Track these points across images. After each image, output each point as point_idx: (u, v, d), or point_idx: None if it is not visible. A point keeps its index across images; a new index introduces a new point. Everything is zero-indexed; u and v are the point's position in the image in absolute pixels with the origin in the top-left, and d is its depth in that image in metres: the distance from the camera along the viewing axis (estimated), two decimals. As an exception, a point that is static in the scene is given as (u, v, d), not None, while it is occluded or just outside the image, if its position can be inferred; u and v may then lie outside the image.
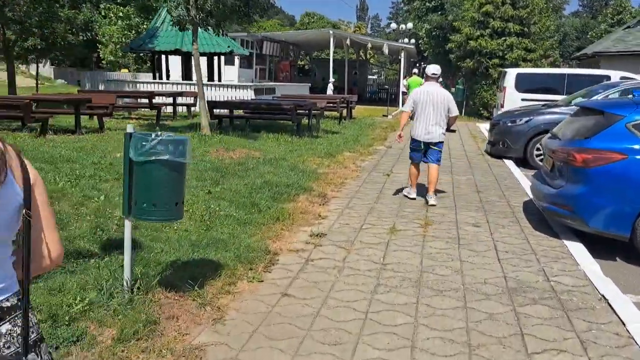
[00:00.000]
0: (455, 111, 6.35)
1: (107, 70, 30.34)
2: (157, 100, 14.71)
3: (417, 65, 47.88)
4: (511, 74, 14.05)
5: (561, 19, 51.68)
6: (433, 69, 6.45)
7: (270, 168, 7.93)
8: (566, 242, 4.93)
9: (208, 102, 11.48)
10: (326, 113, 16.42)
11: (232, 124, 12.42)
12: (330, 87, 22.26)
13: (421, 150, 6.41)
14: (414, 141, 6.46)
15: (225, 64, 23.36)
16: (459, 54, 19.84)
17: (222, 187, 6.48)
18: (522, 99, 13.73)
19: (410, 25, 27.99)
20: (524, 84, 14.01)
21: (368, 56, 36.59)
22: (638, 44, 24.83)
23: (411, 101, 6.42)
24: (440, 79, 7.97)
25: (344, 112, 16.26)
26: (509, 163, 9.59)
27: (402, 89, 21.96)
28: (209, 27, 9.98)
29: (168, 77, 20.46)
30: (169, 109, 15.20)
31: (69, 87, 32.89)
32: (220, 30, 10.10)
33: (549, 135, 5.79)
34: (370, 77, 44.06)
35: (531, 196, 6.72)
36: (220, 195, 6.01)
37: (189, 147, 3.24)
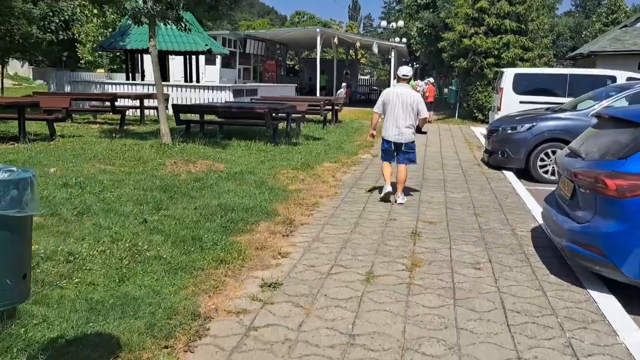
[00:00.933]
0: (424, 113, 6.47)
1: (85, 71, 29.06)
2: (123, 102, 13.52)
3: (410, 65, 46.93)
4: (509, 74, 12.97)
5: (554, 19, 50.87)
6: (404, 70, 6.56)
7: (232, 185, 6.76)
8: (593, 294, 3.79)
9: (173, 105, 10.29)
10: (311, 117, 15.28)
11: (202, 130, 11.23)
12: (343, 89, 21.35)
13: (392, 150, 6.47)
14: (384, 142, 6.52)
15: (206, 63, 22.19)
16: (451, 53, 18.71)
17: (164, 213, 5.29)
18: (521, 102, 12.65)
19: (400, 23, 26.84)
20: (523, 85, 12.94)
21: (359, 56, 35.50)
22: (635, 43, 24.04)
23: (381, 102, 6.51)
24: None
25: (329, 115, 15.10)
26: (510, 175, 8.47)
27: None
28: (168, 22, 8.78)
29: (143, 77, 19.25)
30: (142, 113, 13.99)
31: (47, 88, 31.50)
32: (182, 25, 8.90)
33: (566, 151, 4.65)
34: (362, 77, 43.02)
35: (540, 221, 5.60)
36: (157, 226, 4.82)
37: (33, 191, 2.05)
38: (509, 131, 8.71)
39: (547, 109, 9.76)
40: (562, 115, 8.65)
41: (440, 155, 10.72)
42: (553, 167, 8.35)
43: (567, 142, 8.44)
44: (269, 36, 25.72)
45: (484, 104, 17.44)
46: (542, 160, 8.38)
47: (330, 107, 15.01)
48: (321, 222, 5.54)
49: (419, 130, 6.68)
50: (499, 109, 12.94)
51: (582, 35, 51.26)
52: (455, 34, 17.90)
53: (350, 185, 7.49)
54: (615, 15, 46.77)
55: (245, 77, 25.16)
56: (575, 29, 57.15)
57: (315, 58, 37.89)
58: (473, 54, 17.23)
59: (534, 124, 8.50)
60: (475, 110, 17.91)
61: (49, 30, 33.54)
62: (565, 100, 12.28)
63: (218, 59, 21.84)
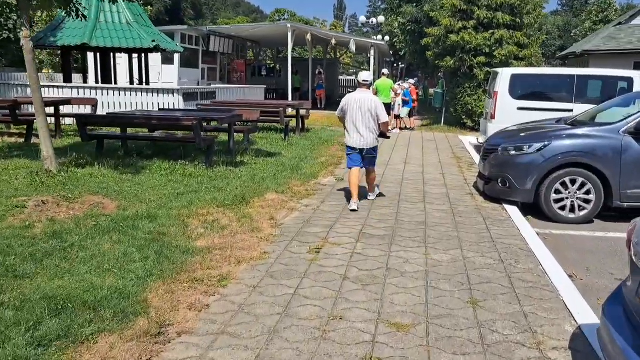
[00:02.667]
0: (384, 118, 6.40)
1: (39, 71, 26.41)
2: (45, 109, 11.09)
3: (395, 65, 44.60)
4: (504, 75, 10.80)
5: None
6: (364, 75, 6.51)
7: (107, 243, 4.49)
8: None
9: (78, 115, 7.96)
10: (276, 125, 13.01)
11: (124, 146, 8.87)
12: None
13: (358, 156, 6.40)
14: (348, 148, 6.50)
15: (163, 62, 19.80)
16: (437, 51, 16.51)
17: None
18: (519, 108, 10.55)
19: (381, 18, 24.61)
20: (521, 88, 10.81)
21: (338, 55, 33.25)
22: (630, 42, 22.38)
23: (341, 107, 6.50)
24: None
25: (293, 122, 12.83)
26: (514, 213, 6.27)
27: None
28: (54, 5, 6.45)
29: (85, 79, 16.84)
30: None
31: None
32: (73, 10, 6.58)
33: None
34: (348, 77, 40.83)
35: (579, 319, 3.42)
36: None
37: None
38: (513, 152, 6.50)
39: (559, 120, 7.61)
40: (581, 131, 6.47)
41: (423, 177, 8.50)
42: (572, 201, 6.18)
43: (591, 169, 6.33)
44: (235, 32, 23.29)
45: (473, 109, 15.28)
46: (557, 192, 6.19)
47: (295, 113, 12.77)
48: (215, 329, 3.27)
49: (382, 135, 6.98)
50: (492, 117, 10.80)
51: (572, 35, 49.67)
52: (440, 29, 15.70)
53: (291, 235, 5.22)
54: (605, 14, 45.42)
55: (210, 78, 22.77)
56: (564, 28, 55.55)
57: (294, 57, 35.62)
58: (461, 52, 15.05)
59: (546, 143, 6.30)
60: (463, 116, 15.73)
61: (6, 28, 30.85)
62: (572, 106, 10.24)
63: (176, 58, 19.45)
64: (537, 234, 5.55)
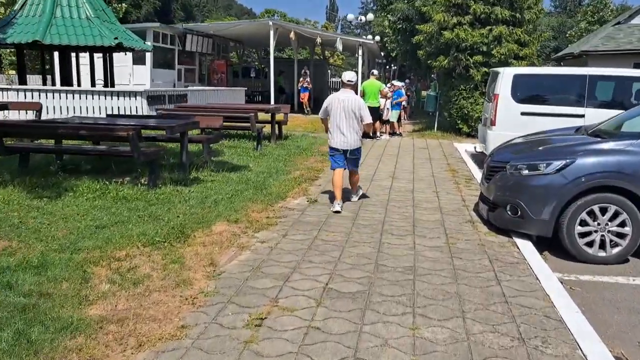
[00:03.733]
0: (367, 118, 6.33)
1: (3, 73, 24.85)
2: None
3: (387, 67, 43.27)
4: (506, 75, 9.45)
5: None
6: (348, 76, 6.42)
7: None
8: None
9: (-9, 125, 6.51)
10: (247, 131, 11.58)
11: (60, 159, 7.42)
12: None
13: (341, 157, 6.34)
14: (331, 149, 6.43)
15: (135, 62, 18.35)
16: (429, 50, 15.17)
17: None
18: (522, 113, 9.22)
19: (370, 16, 23.27)
20: (524, 90, 9.47)
21: (328, 55, 31.90)
22: (630, 42, 21.23)
23: (324, 108, 6.45)
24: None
25: (268, 129, 11.43)
26: (528, 251, 4.88)
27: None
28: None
29: (44, 81, 15.35)
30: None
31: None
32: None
33: None
34: (339, 80, 39.43)
35: None
36: None
37: None
38: (525, 172, 5.12)
39: (577, 129, 6.26)
40: (610, 145, 5.10)
41: (412, 197, 7.11)
42: (603, 235, 4.81)
43: (627, 193, 4.95)
44: (214, 30, 21.83)
45: (469, 112, 13.92)
46: (583, 223, 4.82)
47: (270, 118, 11.36)
48: None
49: (366, 135, 7.01)
50: (492, 123, 9.45)
51: (567, 36, 48.59)
52: (433, 25, 14.35)
53: (229, 292, 3.80)
54: (601, 14, 44.50)
55: (188, 80, 21.31)
56: (558, 28, 54.46)
57: (281, 58, 34.27)
58: (456, 50, 13.70)
59: (569, 160, 4.93)
60: (458, 121, 14.37)
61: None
62: (584, 111, 8.95)
63: (148, 58, 17.99)
64: (561, 282, 4.19)
